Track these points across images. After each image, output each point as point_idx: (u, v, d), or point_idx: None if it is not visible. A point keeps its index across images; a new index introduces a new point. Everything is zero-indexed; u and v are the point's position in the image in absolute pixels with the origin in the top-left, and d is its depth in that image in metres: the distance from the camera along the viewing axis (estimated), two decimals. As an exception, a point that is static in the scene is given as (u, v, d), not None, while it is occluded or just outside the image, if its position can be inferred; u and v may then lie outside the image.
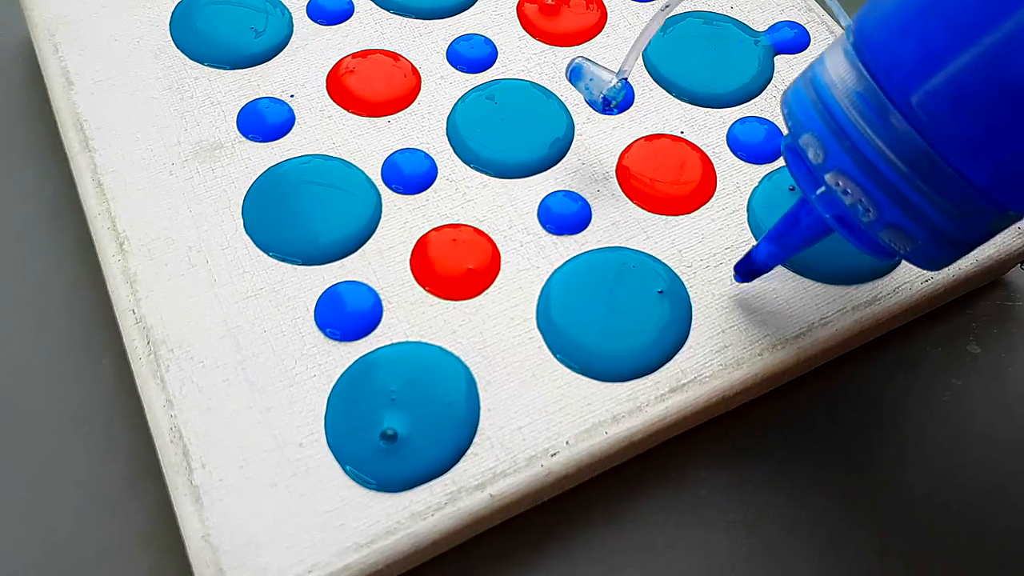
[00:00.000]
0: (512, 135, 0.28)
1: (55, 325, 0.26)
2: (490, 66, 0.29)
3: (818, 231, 0.22)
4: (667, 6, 0.23)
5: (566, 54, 0.29)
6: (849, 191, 0.19)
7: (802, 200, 0.22)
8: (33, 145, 0.29)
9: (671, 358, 0.24)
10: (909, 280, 0.25)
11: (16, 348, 0.25)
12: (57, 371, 0.25)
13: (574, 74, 0.26)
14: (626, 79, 0.25)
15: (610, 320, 0.24)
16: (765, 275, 0.24)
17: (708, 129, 0.28)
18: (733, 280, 0.24)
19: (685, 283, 0.25)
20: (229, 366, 0.23)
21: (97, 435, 0.24)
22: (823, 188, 0.19)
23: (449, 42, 0.29)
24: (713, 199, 0.27)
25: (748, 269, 0.24)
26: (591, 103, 0.25)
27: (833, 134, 0.18)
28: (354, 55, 0.29)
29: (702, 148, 0.28)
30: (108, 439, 0.24)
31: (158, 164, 0.26)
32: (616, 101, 0.25)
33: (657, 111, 0.28)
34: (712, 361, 0.24)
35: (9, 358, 0.25)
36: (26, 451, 0.24)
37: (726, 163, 0.27)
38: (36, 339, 0.25)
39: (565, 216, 0.26)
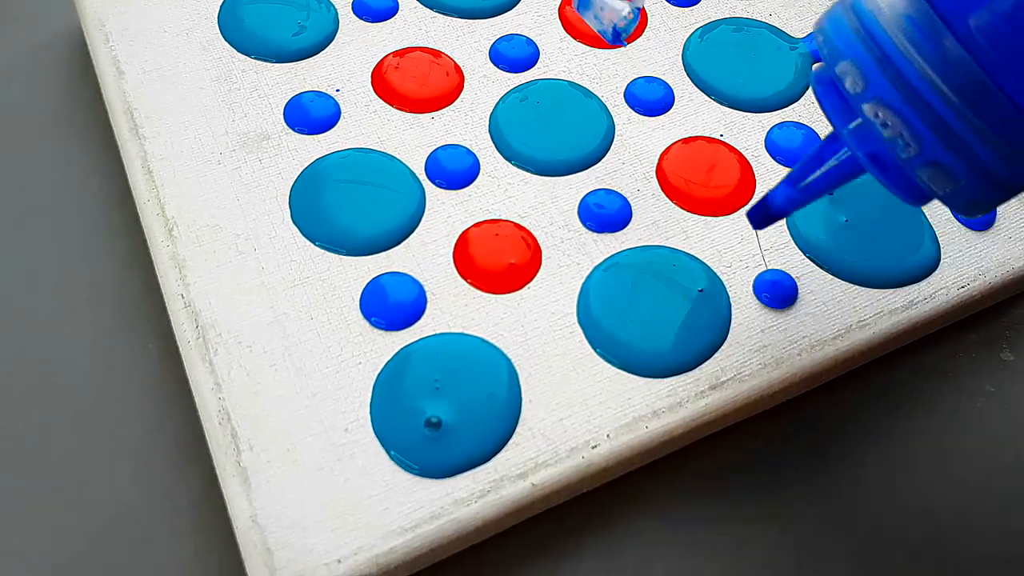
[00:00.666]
0: (553, 134, 0.28)
1: (103, 308, 0.26)
2: (532, 66, 0.30)
3: (844, 173, 0.20)
4: None
5: (606, 56, 0.30)
6: (889, 123, 0.17)
7: (828, 140, 0.20)
8: (83, 133, 0.29)
9: (710, 356, 0.24)
10: (945, 286, 0.26)
11: (65, 330, 0.25)
12: (104, 353, 0.25)
13: (582, 4, 0.25)
14: (638, 9, 0.24)
15: (650, 317, 0.24)
16: (803, 278, 0.25)
17: (747, 133, 0.28)
18: (748, 226, 0.23)
19: (724, 283, 0.25)
20: (276, 352, 0.23)
21: (142, 417, 0.24)
22: (859, 120, 0.18)
23: (492, 42, 0.30)
24: (752, 201, 0.27)
25: (764, 215, 0.22)
26: (601, 32, 0.25)
27: (876, 61, 0.17)
28: (398, 52, 0.29)
29: (741, 151, 0.28)
30: (154, 421, 0.24)
31: (206, 153, 0.27)
32: (627, 34, 0.24)
33: (696, 114, 0.29)
34: (751, 360, 0.24)
35: (58, 340, 0.25)
36: (72, 432, 0.24)
37: (764, 166, 0.28)
38: (84, 322, 0.26)
39: (606, 214, 0.26)
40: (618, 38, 0.24)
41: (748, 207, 0.22)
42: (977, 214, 0.19)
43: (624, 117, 0.28)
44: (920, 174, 0.18)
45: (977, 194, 0.18)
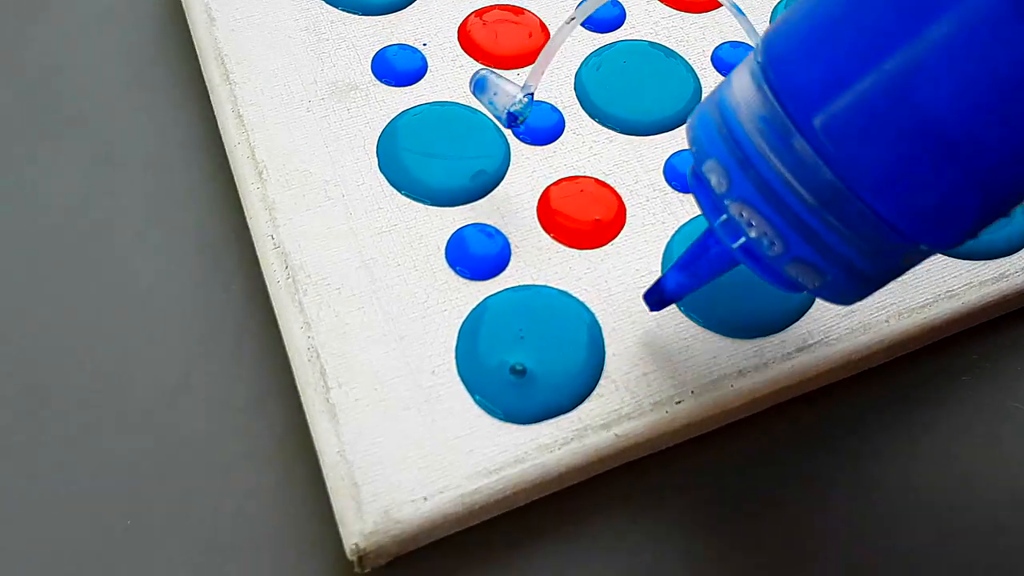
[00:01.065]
0: (638, 94, 0.28)
1: (186, 250, 0.26)
2: (618, 27, 0.29)
3: (727, 261, 0.20)
4: (572, 19, 0.23)
5: (693, 20, 0.30)
6: (754, 223, 0.17)
7: (710, 228, 0.20)
8: (172, 78, 0.29)
9: (798, 319, 0.24)
10: (1038, 260, 0.25)
11: (149, 270, 0.26)
12: (187, 293, 0.26)
13: (477, 87, 0.24)
14: (531, 95, 0.24)
15: (738, 277, 0.24)
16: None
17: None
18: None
19: (811, 247, 0.25)
20: (364, 295, 0.23)
21: (224, 356, 0.25)
22: (725, 216, 0.18)
23: (579, 2, 0.30)
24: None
25: (659, 298, 0.22)
26: (496, 116, 0.24)
27: (737, 161, 0.17)
28: (485, 9, 0.29)
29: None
30: (235, 360, 0.25)
31: (295, 100, 0.27)
32: (523, 117, 0.24)
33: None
34: (839, 324, 0.24)
35: (142, 280, 0.26)
36: (155, 368, 0.24)
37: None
38: (168, 262, 0.26)
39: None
40: (513, 122, 0.24)
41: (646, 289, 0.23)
42: (850, 303, 0.19)
43: (711, 80, 0.28)
44: (787, 270, 0.18)
45: (845, 287, 0.18)
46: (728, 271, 0.21)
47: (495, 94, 0.24)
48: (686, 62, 0.29)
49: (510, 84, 0.24)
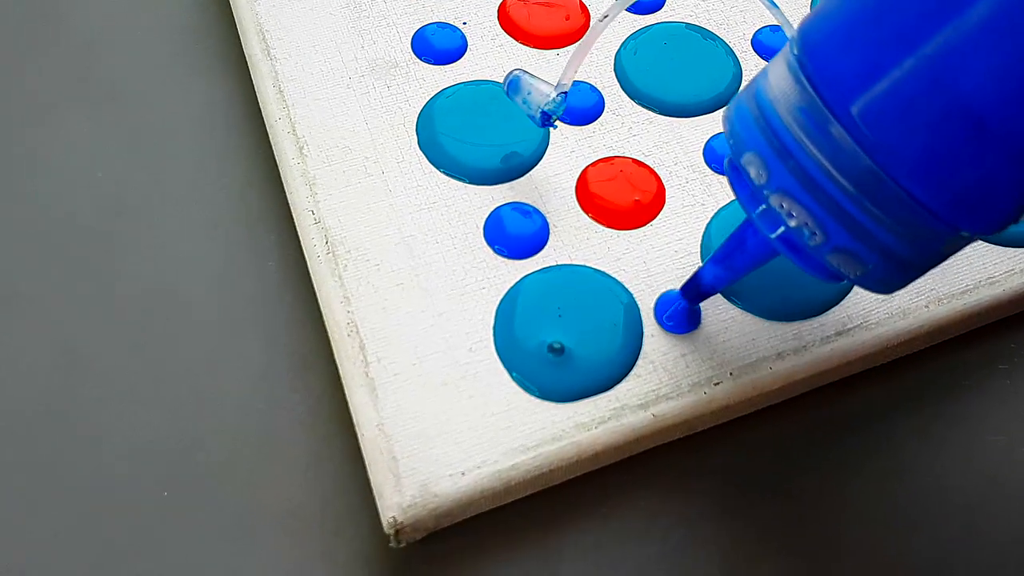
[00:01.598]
0: (678, 76, 0.28)
1: (225, 223, 0.26)
2: (658, 9, 0.29)
3: (765, 253, 0.20)
4: (606, 16, 0.23)
5: (733, 3, 0.29)
6: (794, 213, 0.17)
7: (747, 221, 0.20)
8: (213, 53, 0.30)
9: (837, 303, 0.24)
10: (1081, 249, 0.25)
11: (189, 243, 0.26)
12: (227, 266, 0.26)
13: (512, 87, 0.24)
14: (565, 94, 0.24)
15: (776, 263, 0.24)
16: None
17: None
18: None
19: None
20: (403, 271, 0.24)
21: (264, 330, 0.25)
22: (764, 206, 0.18)
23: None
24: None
25: (696, 292, 0.22)
26: (530, 116, 0.24)
27: (776, 152, 0.17)
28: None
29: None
30: (274, 334, 0.25)
31: (336, 77, 0.27)
32: (556, 116, 0.24)
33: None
34: (879, 309, 0.24)
35: (183, 252, 0.26)
36: (196, 340, 0.25)
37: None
38: (208, 236, 0.26)
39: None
40: (547, 121, 0.24)
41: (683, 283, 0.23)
42: (892, 292, 0.19)
43: (752, 63, 0.28)
44: (829, 260, 0.18)
45: (886, 275, 0.18)
46: (765, 263, 0.21)
47: (528, 93, 0.24)
48: (726, 44, 0.28)
49: (543, 83, 0.24)
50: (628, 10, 0.29)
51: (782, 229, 0.18)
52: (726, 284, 0.22)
